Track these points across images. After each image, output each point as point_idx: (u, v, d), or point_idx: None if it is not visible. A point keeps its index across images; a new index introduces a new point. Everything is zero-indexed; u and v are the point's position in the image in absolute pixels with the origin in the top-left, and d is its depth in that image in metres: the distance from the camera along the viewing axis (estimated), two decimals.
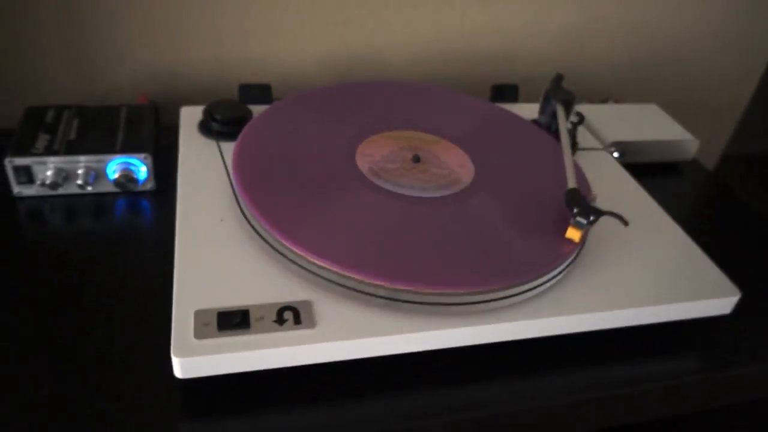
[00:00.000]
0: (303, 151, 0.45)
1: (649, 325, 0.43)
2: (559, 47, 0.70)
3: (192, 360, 0.33)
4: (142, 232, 0.46)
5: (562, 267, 0.39)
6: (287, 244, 0.37)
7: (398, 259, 0.37)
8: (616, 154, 0.58)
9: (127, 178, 0.47)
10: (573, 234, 0.39)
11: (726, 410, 0.60)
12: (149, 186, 0.48)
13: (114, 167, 0.47)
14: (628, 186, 0.51)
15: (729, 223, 0.56)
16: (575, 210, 0.39)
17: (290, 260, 0.37)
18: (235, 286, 0.36)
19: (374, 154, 0.45)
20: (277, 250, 0.38)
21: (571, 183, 0.42)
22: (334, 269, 0.36)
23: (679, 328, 0.43)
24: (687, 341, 0.43)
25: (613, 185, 0.50)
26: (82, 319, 0.39)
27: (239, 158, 0.43)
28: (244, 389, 0.36)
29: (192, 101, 0.62)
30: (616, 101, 0.68)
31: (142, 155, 0.47)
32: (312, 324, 0.35)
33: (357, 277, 0.36)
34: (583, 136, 0.57)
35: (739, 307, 0.46)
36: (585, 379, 0.39)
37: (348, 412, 0.35)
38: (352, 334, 0.35)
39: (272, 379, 0.36)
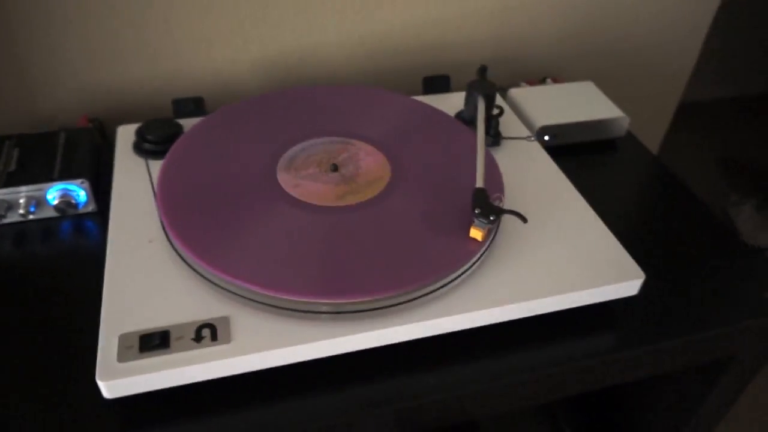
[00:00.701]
0: (225, 168, 0.47)
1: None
2: (496, 31, 0.71)
3: (115, 382, 0.36)
4: (84, 254, 0.48)
5: (468, 265, 0.41)
6: (203, 264, 0.39)
7: (309, 272, 0.39)
8: (546, 138, 0.60)
9: (67, 203, 0.49)
10: (476, 233, 0.42)
11: (642, 383, 0.63)
12: (90, 208, 0.51)
13: (53, 194, 0.49)
14: (550, 173, 0.52)
15: (660, 199, 0.57)
16: (476, 211, 0.42)
17: (208, 280, 0.40)
18: (159, 308, 0.39)
19: (294, 167, 0.47)
20: (196, 271, 0.41)
21: (479, 182, 0.44)
22: (248, 287, 0.38)
23: (596, 308, 0.46)
24: (602, 322, 0.45)
25: (535, 174, 0.52)
26: (31, 341, 0.42)
27: (163, 179, 0.45)
28: (180, 399, 0.39)
29: (137, 118, 0.64)
30: (554, 80, 0.69)
31: (79, 180, 0.49)
32: (227, 339, 0.38)
33: (270, 293, 0.38)
34: (513, 122, 0.59)
35: (659, 283, 0.48)
36: (507, 364, 0.42)
37: (277, 412, 0.38)
38: (266, 346, 0.37)
39: (210, 387, 0.39)
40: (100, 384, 0.36)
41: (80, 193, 0.50)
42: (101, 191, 0.53)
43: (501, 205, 0.43)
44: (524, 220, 0.41)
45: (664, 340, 0.45)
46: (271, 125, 0.51)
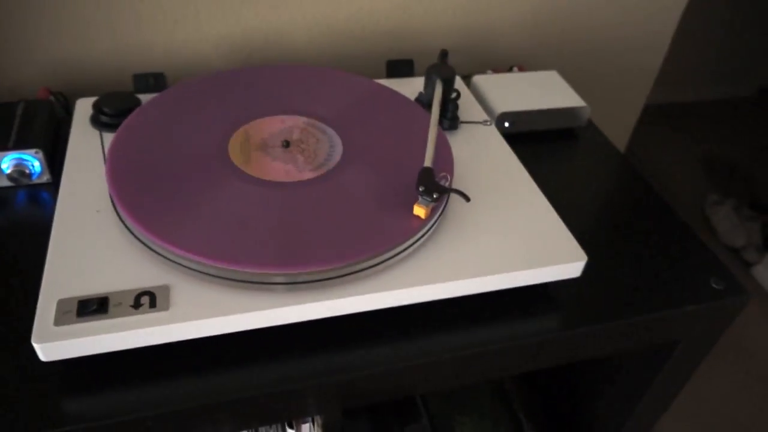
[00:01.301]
0: (177, 142, 0.47)
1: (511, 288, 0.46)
2: (464, 18, 0.71)
3: (50, 345, 0.36)
4: (35, 224, 0.48)
5: (411, 241, 0.42)
6: (145, 232, 0.40)
7: (251, 243, 0.40)
8: (506, 124, 0.61)
9: (20, 173, 0.49)
10: (419, 211, 0.42)
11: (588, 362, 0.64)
12: (45, 179, 0.51)
13: (7, 163, 0.49)
14: (504, 157, 0.53)
15: (616, 189, 0.58)
16: (420, 188, 0.42)
17: (151, 249, 0.41)
18: (101, 275, 0.40)
19: (251, 135, 0.48)
20: (140, 240, 0.41)
21: (427, 162, 0.45)
22: (186, 255, 0.39)
23: (539, 288, 0.46)
24: (545, 303, 0.46)
25: (489, 157, 0.53)
26: None
27: (114, 150, 0.45)
28: (121, 365, 0.39)
29: (98, 92, 0.64)
30: (520, 69, 0.70)
31: (33, 150, 0.50)
32: (165, 306, 0.38)
33: (209, 262, 0.39)
34: (474, 108, 0.59)
35: (604, 268, 0.49)
36: (448, 341, 0.42)
37: (217, 382, 0.39)
38: (202, 314, 0.38)
39: (152, 354, 0.40)
40: (36, 346, 0.36)
41: (34, 163, 0.50)
42: (58, 163, 0.53)
43: (447, 184, 0.44)
44: (467, 198, 0.42)
45: (604, 321, 0.45)
46: (226, 102, 0.52)
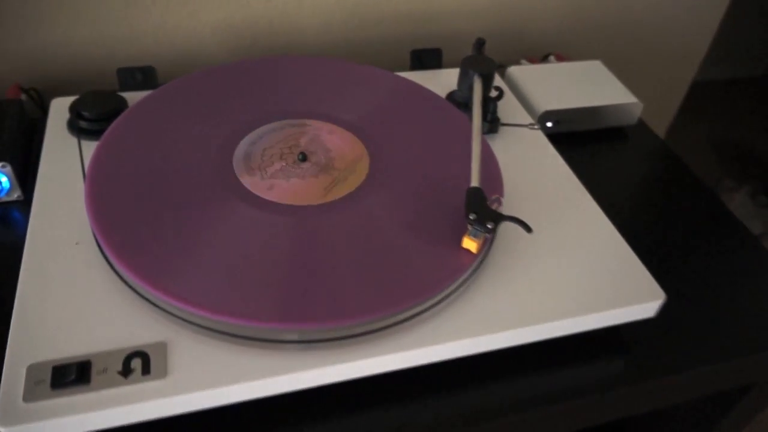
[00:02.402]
0: (172, 157, 0.39)
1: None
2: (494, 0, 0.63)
3: (17, 429, 0.28)
4: (8, 251, 0.41)
5: (458, 282, 0.35)
6: (135, 279, 0.32)
7: (266, 292, 0.32)
8: (549, 124, 0.53)
9: None
10: (470, 244, 0.35)
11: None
12: (15, 196, 0.43)
13: None
14: (556, 169, 0.45)
15: (675, 196, 0.51)
16: (471, 216, 0.35)
17: (142, 296, 0.33)
18: (81, 330, 0.32)
19: (255, 155, 0.40)
20: (127, 284, 0.33)
21: (474, 181, 0.37)
22: (190, 309, 0.31)
23: (603, 331, 0.39)
24: (610, 347, 0.39)
25: (538, 170, 0.45)
26: None
27: (94, 167, 0.37)
28: None
29: (79, 89, 0.55)
30: (558, 57, 0.62)
31: (0, 164, 0.41)
32: (162, 373, 0.30)
33: (217, 318, 0.31)
34: (513, 106, 0.51)
35: (675, 300, 0.42)
36: (499, 397, 0.35)
37: None
38: (210, 382, 0.30)
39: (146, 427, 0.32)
40: (0, 430, 0.28)
41: (2, 178, 0.42)
42: (31, 176, 0.45)
43: (500, 208, 0.36)
44: (528, 229, 0.34)
45: (683, 369, 0.38)
46: (228, 103, 0.44)
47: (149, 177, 0.37)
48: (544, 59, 0.63)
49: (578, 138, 0.55)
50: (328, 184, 0.39)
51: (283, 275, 0.33)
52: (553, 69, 0.58)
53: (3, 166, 0.42)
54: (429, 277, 0.34)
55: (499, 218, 0.34)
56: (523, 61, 0.62)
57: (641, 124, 0.58)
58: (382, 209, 0.37)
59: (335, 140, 0.42)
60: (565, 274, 0.38)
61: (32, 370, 0.30)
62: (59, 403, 0.29)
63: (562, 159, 0.46)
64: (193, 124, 0.41)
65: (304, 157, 0.40)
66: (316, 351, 0.32)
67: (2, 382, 0.30)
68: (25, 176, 0.45)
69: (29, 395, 0.29)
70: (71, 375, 0.30)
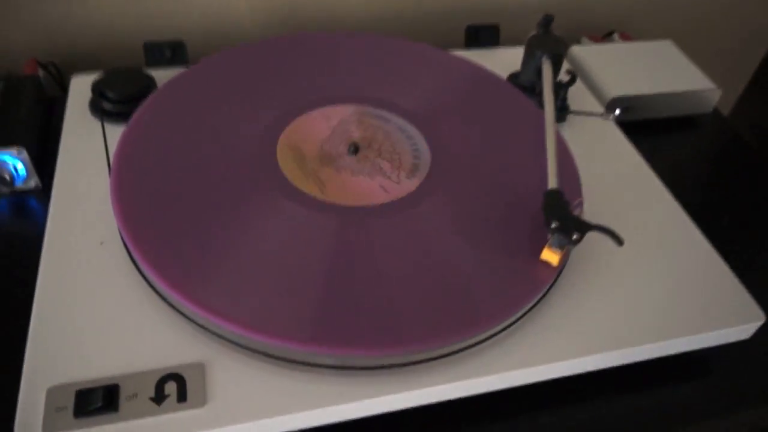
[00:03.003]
0: (208, 144, 0.35)
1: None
2: None
3: None
4: (19, 247, 0.37)
5: (533, 301, 0.30)
6: (168, 289, 0.28)
7: (318, 311, 0.28)
8: (617, 112, 0.48)
9: None
10: (550, 256, 0.30)
11: None
12: (32, 184, 0.39)
13: None
14: (633, 167, 0.40)
15: (759, 196, 0.46)
16: (553, 224, 0.30)
17: (177, 309, 0.29)
18: (106, 347, 0.28)
19: (301, 145, 0.35)
20: (160, 296, 0.29)
21: (552, 181, 0.32)
22: (227, 326, 0.27)
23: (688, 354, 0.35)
24: (695, 372, 0.34)
25: (612, 165, 0.40)
26: None
27: (121, 158, 0.33)
28: None
29: (102, 65, 0.51)
30: (623, 36, 0.56)
31: (15, 149, 0.37)
32: (201, 400, 0.27)
33: (267, 341, 0.27)
34: (580, 90, 0.46)
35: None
36: (565, 425, 0.31)
37: None
38: (256, 413, 0.26)
39: None
40: None
41: (17, 165, 0.38)
42: (50, 162, 0.41)
43: (582, 214, 0.32)
44: (620, 242, 0.30)
45: None
46: (270, 84, 0.39)
47: (184, 170, 0.33)
48: (606, 37, 0.57)
49: (642, 127, 0.49)
50: (384, 181, 0.34)
51: (328, 291, 0.29)
52: (620, 49, 0.52)
53: (18, 152, 0.38)
54: (501, 296, 0.29)
55: (585, 227, 0.30)
56: (585, 40, 0.56)
57: (715, 113, 0.53)
58: (442, 214, 0.33)
59: (399, 137, 0.37)
60: (649, 290, 0.33)
61: (53, 394, 0.26)
62: None
63: (640, 156, 0.41)
64: (232, 107, 0.37)
65: (355, 149, 0.35)
66: (381, 377, 0.28)
67: (19, 407, 0.26)
68: (43, 162, 0.40)
69: (50, 425, 0.25)
70: (97, 402, 0.26)
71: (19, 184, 0.39)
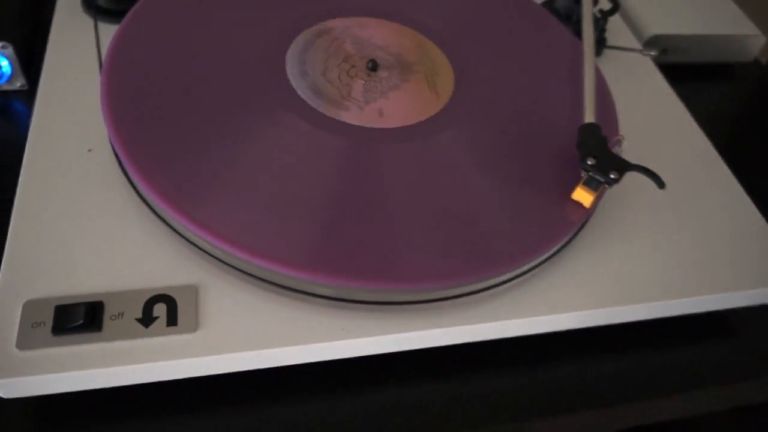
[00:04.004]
0: (210, 48, 0.31)
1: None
2: None
3: (9, 381, 0.23)
4: (7, 150, 0.34)
5: (559, 244, 0.28)
6: (160, 203, 0.25)
7: (319, 237, 0.25)
8: (654, 52, 0.44)
9: None
10: (582, 196, 0.27)
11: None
12: (18, 84, 0.36)
13: None
14: (669, 109, 0.37)
15: None
16: (589, 161, 0.27)
17: (170, 226, 0.26)
18: (91, 262, 0.25)
19: (313, 57, 0.32)
20: (152, 210, 0.27)
21: (589, 114, 0.29)
22: (223, 247, 0.24)
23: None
24: (717, 331, 0.32)
25: (648, 107, 0.37)
26: None
27: (113, 58, 0.30)
28: (120, 396, 0.26)
29: None
30: None
31: (0, 44, 0.34)
32: (192, 326, 0.24)
33: (265, 265, 0.24)
34: (616, 25, 0.42)
35: None
36: (592, 375, 0.29)
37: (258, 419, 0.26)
38: (249, 343, 0.24)
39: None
40: None
41: (2, 62, 0.35)
42: (39, 62, 0.37)
43: (621, 153, 0.29)
44: (661, 184, 0.27)
45: None
46: None
47: (183, 74, 0.30)
48: None
49: (677, 72, 0.46)
50: (429, 83, 0.31)
51: (334, 214, 0.26)
52: None
53: (3, 47, 0.34)
54: (523, 237, 0.27)
55: (625, 167, 0.27)
56: None
57: (755, 63, 0.49)
58: (461, 143, 0.30)
59: (379, 33, 0.33)
60: (684, 239, 0.30)
61: (29, 308, 0.24)
62: (62, 353, 0.23)
63: (679, 100, 0.38)
64: (239, 8, 0.33)
65: (374, 65, 0.32)
66: (384, 314, 0.26)
67: None
68: (32, 61, 0.37)
69: (24, 340, 0.23)
70: (78, 318, 0.23)
71: (3, 84, 0.36)
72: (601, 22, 0.37)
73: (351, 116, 0.29)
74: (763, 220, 0.32)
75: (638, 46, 0.41)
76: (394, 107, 0.30)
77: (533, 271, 0.27)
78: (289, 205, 0.26)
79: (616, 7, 0.37)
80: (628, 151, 0.34)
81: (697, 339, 0.32)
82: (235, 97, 0.29)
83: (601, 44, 0.39)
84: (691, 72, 0.47)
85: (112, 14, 0.35)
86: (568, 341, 0.30)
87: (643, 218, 0.31)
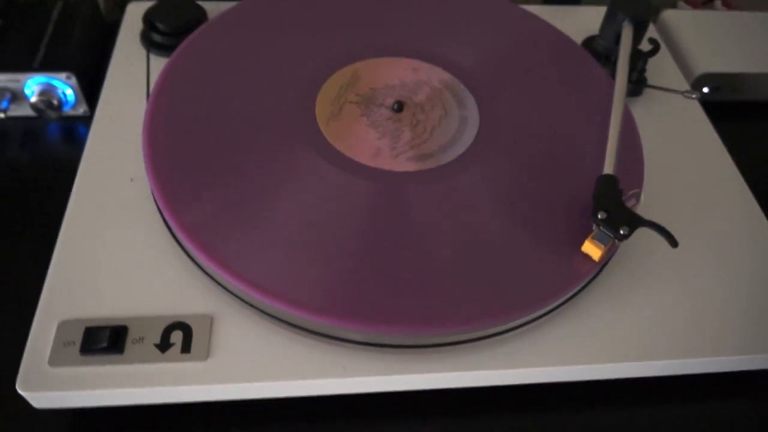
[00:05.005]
0: (250, 86, 0.33)
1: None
2: None
3: (41, 395, 0.25)
4: (64, 171, 0.37)
5: (568, 294, 0.28)
6: (184, 238, 0.27)
7: (336, 283, 0.27)
8: (705, 90, 0.43)
9: (47, 103, 0.37)
10: (591, 250, 0.27)
11: None
12: (81, 111, 0.39)
13: (32, 88, 0.38)
14: (712, 155, 0.36)
15: None
16: (600, 215, 0.27)
17: (193, 259, 0.28)
18: (122, 287, 0.28)
19: (350, 88, 0.33)
20: (177, 242, 0.29)
21: (609, 166, 0.29)
22: (235, 283, 0.26)
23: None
24: (739, 391, 0.31)
25: (689, 152, 0.36)
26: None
27: (158, 95, 0.32)
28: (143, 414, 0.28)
29: None
30: (725, 4, 0.50)
31: (64, 75, 0.37)
32: (203, 354, 0.26)
33: (263, 299, 0.26)
34: (664, 62, 0.41)
35: None
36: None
37: None
38: (254, 374, 0.26)
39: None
40: (23, 393, 0.25)
41: (66, 91, 0.38)
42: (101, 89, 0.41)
43: (637, 208, 0.28)
44: (674, 243, 0.26)
45: None
46: (327, 25, 0.37)
47: (220, 112, 0.32)
48: (706, 4, 0.51)
49: (731, 110, 0.44)
50: (402, 148, 0.32)
51: (347, 261, 0.27)
52: (719, 18, 0.46)
53: (67, 78, 0.37)
54: (532, 286, 0.27)
55: (636, 222, 0.27)
56: (681, 4, 0.50)
57: None
58: (481, 188, 0.30)
59: (448, 100, 0.34)
60: (706, 299, 0.30)
61: (64, 327, 0.26)
62: (86, 372, 0.25)
63: (723, 145, 0.36)
64: (284, 48, 0.35)
65: (400, 107, 0.33)
66: (384, 355, 0.27)
67: (31, 336, 0.26)
68: (94, 89, 0.40)
69: (56, 358, 0.26)
70: (103, 341, 0.26)
71: (67, 110, 0.39)
72: (640, 62, 0.37)
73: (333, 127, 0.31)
74: None
75: (686, 85, 0.40)
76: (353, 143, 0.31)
77: (542, 319, 0.27)
78: (299, 248, 0.27)
79: (655, 49, 0.36)
80: (662, 195, 0.33)
81: (716, 396, 0.31)
82: (267, 136, 0.31)
83: (641, 83, 0.38)
84: (748, 110, 0.44)
85: (165, 48, 0.38)
86: (578, 390, 0.30)
87: (668, 270, 0.30)
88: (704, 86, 0.42)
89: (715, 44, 0.44)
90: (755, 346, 0.28)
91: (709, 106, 0.40)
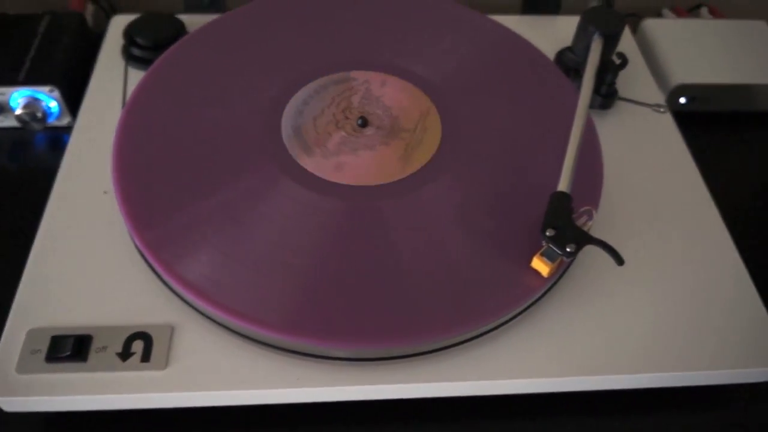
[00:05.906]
0: (217, 105, 0.34)
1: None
2: None
3: (8, 400, 0.27)
4: (46, 180, 0.39)
5: (516, 310, 0.28)
6: (145, 251, 0.28)
7: (288, 298, 0.27)
8: (682, 101, 0.43)
9: (31, 115, 0.39)
10: (540, 266, 0.28)
11: None
12: (65, 122, 0.41)
13: (18, 101, 0.39)
14: (680, 170, 0.36)
15: None
16: (548, 232, 0.27)
17: (155, 272, 0.29)
18: (89, 297, 0.29)
19: (318, 101, 0.34)
20: (143, 256, 0.30)
21: (563, 183, 0.30)
22: (192, 297, 0.27)
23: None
24: (707, 406, 0.31)
25: (656, 166, 0.36)
26: None
27: (130, 111, 0.33)
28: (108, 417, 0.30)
29: (160, 4, 0.51)
30: (713, 12, 0.50)
31: (47, 88, 0.39)
32: (162, 363, 0.27)
33: (217, 312, 0.27)
34: (639, 73, 0.41)
35: None
36: None
37: None
38: (210, 383, 0.27)
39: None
40: None
41: (50, 103, 0.39)
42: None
43: (588, 225, 0.29)
44: (620, 261, 0.27)
45: None
46: (294, 41, 0.37)
47: (189, 129, 0.33)
48: (693, 11, 0.51)
49: (708, 120, 0.44)
50: (405, 152, 0.32)
51: (305, 275, 0.28)
52: (701, 27, 0.46)
53: (51, 91, 0.39)
54: (484, 300, 0.27)
55: (584, 240, 0.27)
56: (667, 12, 0.50)
57: None
58: (438, 201, 0.31)
59: (393, 93, 0.35)
60: (661, 315, 0.30)
61: (32, 335, 0.28)
62: (51, 379, 0.27)
63: (693, 160, 0.36)
64: (242, 68, 0.36)
65: (364, 122, 0.33)
66: (335, 367, 0.27)
67: (1, 343, 0.28)
68: (78, 101, 0.42)
69: (23, 365, 0.27)
70: (67, 349, 0.27)
71: (52, 122, 0.40)
72: (609, 76, 0.37)
73: (309, 162, 0.31)
74: (759, 301, 0.31)
75: (660, 95, 0.40)
76: (355, 165, 0.31)
77: (486, 336, 0.28)
78: (259, 265, 0.28)
79: (624, 62, 0.36)
80: (626, 207, 0.33)
81: (683, 408, 0.31)
82: (233, 154, 0.32)
83: (612, 97, 0.38)
84: (725, 120, 0.44)
85: (144, 62, 0.39)
86: (538, 400, 0.31)
87: (626, 283, 0.31)
88: (681, 97, 0.42)
89: (695, 54, 0.44)
90: (711, 361, 0.29)
91: (683, 117, 0.40)
